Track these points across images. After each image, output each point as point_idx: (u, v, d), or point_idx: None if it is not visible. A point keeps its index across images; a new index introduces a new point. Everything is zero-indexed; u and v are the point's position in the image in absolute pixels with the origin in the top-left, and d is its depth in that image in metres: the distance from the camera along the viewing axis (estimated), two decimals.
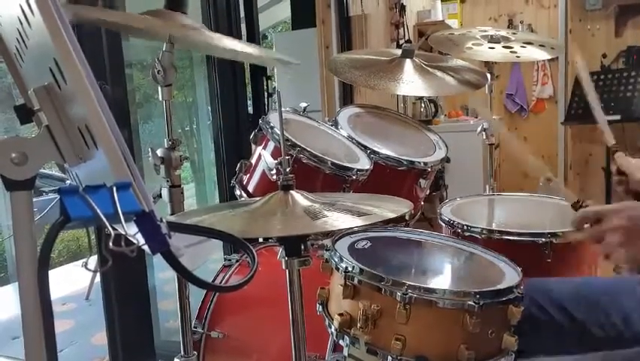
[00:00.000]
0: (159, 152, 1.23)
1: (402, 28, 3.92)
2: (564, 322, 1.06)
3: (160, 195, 1.26)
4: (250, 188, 1.52)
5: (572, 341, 1.06)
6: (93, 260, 0.52)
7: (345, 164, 1.44)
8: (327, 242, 1.02)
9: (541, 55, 1.87)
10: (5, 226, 3.28)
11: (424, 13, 4.44)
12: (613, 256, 0.87)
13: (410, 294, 0.83)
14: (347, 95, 3.54)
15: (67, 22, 0.48)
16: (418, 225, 1.66)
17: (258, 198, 1.07)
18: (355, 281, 0.88)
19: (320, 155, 1.41)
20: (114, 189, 0.48)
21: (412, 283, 0.84)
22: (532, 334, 0.91)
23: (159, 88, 1.22)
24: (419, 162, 1.65)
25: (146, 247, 0.49)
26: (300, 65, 1.40)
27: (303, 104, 1.71)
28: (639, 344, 0.98)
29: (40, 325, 0.50)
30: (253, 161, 1.53)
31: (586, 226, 0.93)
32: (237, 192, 1.54)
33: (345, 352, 0.91)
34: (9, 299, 3.36)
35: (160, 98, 1.24)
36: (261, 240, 1.52)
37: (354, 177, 1.44)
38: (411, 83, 1.74)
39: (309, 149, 1.40)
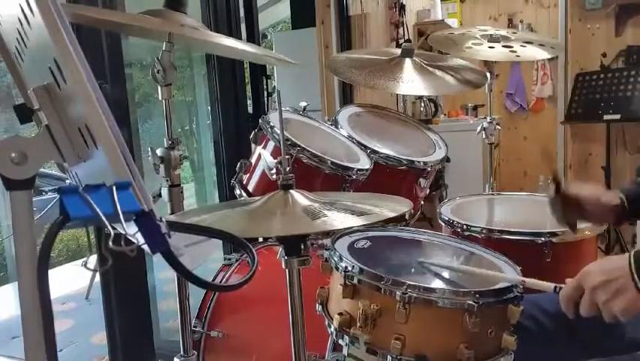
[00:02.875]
0: (159, 151, 1.23)
1: (401, 28, 3.92)
2: (559, 333, 1.06)
3: (160, 195, 1.26)
4: (250, 187, 1.52)
5: (568, 352, 1.05)
6: (93, 260, 0.52)
7: (345, 163, 1.44)
8: (327, 242, 1.02)
9: (541, 54, 1.87)
10: (5, 226, 3.28)
11: (423, 12, 4.44)
12: (611, 315, 0.86)
13: (410, 293, 0.83)
14: (347, 95, 3.54)
15: (67, 22, 0.48)
16: (417, 224, 1.66)
17: (257, 198, 1.07)
18: (355, 281, 0.88)
19: (320, 154, 1.41)
20: (114, 188, 0.48)
21: (412, 283, 0.84)
22: (527, 346, 0.91)
23: (159, 87, 1.22)
24: (419, 162, 1.65)
25: (145, 247, 0.49)
26: (299, 65, 1.40)
27: (303, 104, 1.71)
28: (637, 350, 0.98)
29: (39, 324, 0.50)
30: (253, 160, 1.53)
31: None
32: (237, 192, 1.54)
33: (345, 351, 0.91)
34: (9, 299, 3.36)
35: (160, 98, 1.24)
36: (260, 239, 1.52)
37: (354, 177, 1.44)
38: (410, 82, 1.74)
39: (309, 148, 1.40)
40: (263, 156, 1.38)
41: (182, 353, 1.33)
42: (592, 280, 0.87)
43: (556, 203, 1.19)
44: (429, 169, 1.68)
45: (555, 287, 0.92)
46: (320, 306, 0.99)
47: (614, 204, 1.15)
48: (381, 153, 1.61)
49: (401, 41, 3.76)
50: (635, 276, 0.84)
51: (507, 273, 0.97)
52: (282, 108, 1.07)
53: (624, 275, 0.85)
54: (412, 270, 1.00)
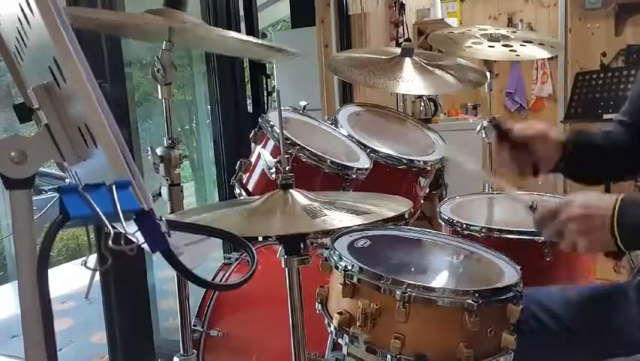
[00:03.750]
0: (159, 150, 1.23)
1: (401, 27, 3.92)
2: (558, 331, 1.05)
3: (159, 194, 1.26)
4: (250, 187, 1.52)
5: (566, 350, 1.05)
6: (93, 259, 0.52)
7: (344, 163, 1.44)
8: (327, 241, 1.02)
9: (541, 53, 1.87)
10: (5, 225, 3.28)
11: (423, 11, 4.44)
12: (575, 246, 0.87)
13: (409, 293, 0.83)
14: (347, 94, 3.54)
15: (67, 21, 0.48)
16: (417, 223, 1.66)
17: (257, 197, 1.07)
18: (354, 280, 0.88)
19: (319, 153, 1.41)
20: (114, 187, 0.48)
21: (412, 282, 0.84)
22: (526, 343, 0.91)
23: (159, 86, 1.22)
24: (419, 161, 1.65)
25: (145, 246, 0.49)
26: (299, 64, 1.40)
27: (303, 103, 1.71)
28: (635, 351, 0.98)
29: (39, 323, 0.50)
30: (253, 159, 1.53)
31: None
32: (237, 191, 1.54)
33: (345, 350, 0.91)
34: (8, 298, 3.36)
35: (159, 97, 1.24)
36: (260, 238, 1.52)
37: (353, 176, 1.44)
38: (410, 81, 1.74)
39: (308, 147, 1.40)
40: (262, 155, 1.38)
41: (181, 352, 1.33)
42: (572, 210, 0.87)
43: (502, 150, 1.09)
44: (429, 168, 1.68)
45: (531, 205, 0.93)
46: (320, 305, 0.99)
47: (560, 140, 1.08)
48: (381, 153, 1.61)
49: (401, 40, 3.76)
50: (615, 220, 0.83)
51: (507, 272, 0.97)
52: (282, 107, 1.07)
53: (605, 215, 0.84)
54: (412, 269, 1.00)
